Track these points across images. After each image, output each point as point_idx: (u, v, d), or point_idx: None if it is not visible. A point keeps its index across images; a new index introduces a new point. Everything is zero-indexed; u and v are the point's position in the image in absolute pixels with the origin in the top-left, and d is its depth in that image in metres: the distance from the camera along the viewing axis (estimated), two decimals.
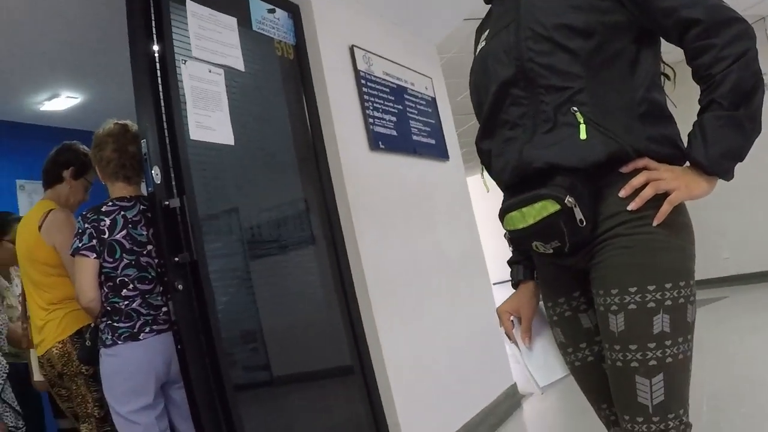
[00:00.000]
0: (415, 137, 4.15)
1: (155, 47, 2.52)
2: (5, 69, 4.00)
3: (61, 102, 4.63)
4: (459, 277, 4.23)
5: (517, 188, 1.46)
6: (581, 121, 1.38)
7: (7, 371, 3.38)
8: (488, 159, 1.62)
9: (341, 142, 3.32)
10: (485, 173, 1.69)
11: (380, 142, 3.68)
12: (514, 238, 1.50)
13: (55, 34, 3.64)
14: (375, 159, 3.61)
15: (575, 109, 1.39)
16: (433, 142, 4.37)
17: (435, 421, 3.48)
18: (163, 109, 2.49)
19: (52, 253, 2.83)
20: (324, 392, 3.25)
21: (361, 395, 3.17)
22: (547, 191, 1.37)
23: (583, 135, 1.38)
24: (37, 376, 3.07)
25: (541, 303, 1.70)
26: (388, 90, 3.95)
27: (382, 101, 3.84)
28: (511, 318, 1.73)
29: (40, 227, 2.92)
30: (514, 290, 1.76)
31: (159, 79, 2.50)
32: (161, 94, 2.49)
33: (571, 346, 1.59)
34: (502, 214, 1.49)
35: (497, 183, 1.61)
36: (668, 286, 1.36)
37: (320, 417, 3.16)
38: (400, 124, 4.00)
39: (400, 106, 4.05)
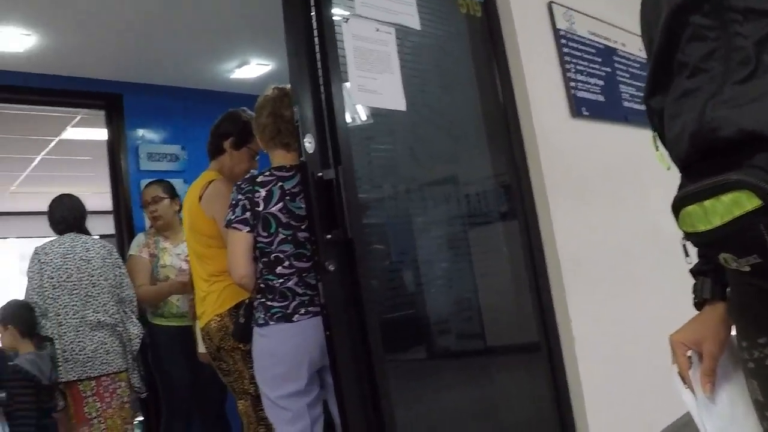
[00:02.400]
0: (626, 103, 3.68)
1: (312, 3, 2.27)
2: (196, 38, 4.04)
3: (251, 69, 4.62)
4: (672, 265, 3.67)
5: (698, 168, 0.94)
6: None
7: (141, 337, 3.56)
8: (660, 122, 1.09)
9: (536, 108, 2.96)
10: (659, 143, 1.12)
11: (583, 108, 3.26)
12: (694, 243, 1.02)
13: (245, 2, 3.58)
14: (576, 127, 3.21)
15: None
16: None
17: (626, 416, 3.07)
18: (319, 71, 2.24)
19: (212, 224, 2.73)
20: (504, 371, 3.01)
21: (546, 378, 2.85)
22: (742, 176, 0.85)
23: None
24: (201, 348, 3.03)
25: (733, 335, 1.14)
26: (593, 51, 3.51)
27: (586, 63, 3.41)
28: (689, 353, 1.18)
29: (200, 198, 2.84)
30: (697, 311, 1.21)
31: (316, 39, 2.25)
32: (318, 54, 2.25)
33: None
34: (677, 207, 0.96)
35: (672, 157, 1.05)
36: None
37: (498, 395, 2.92)
38: (609, 89, 3.55)
39: (608, 69, 3.59)
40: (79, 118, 5.82)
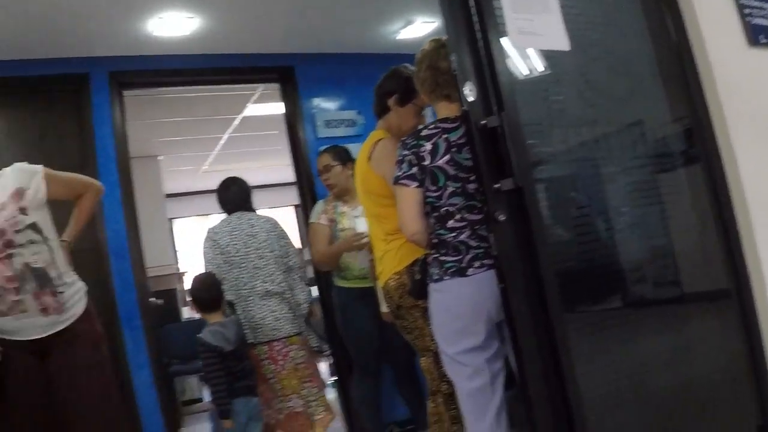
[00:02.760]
0: None
1: None
2: (360, 3, 4.05)
3: (417, 28, 4.58)
4: None
5: None
6: None
7: (310, 301, 3.85)
8: None
9: (709, 39, 2.67)
10: None
11: (761, 36, 2.92)
12: None
13: None
14: (755, 57, 2.87)
15: None
16: None
17: None
18: (474, 17, 2.16)
19: (383, 183, 2.74)
20: (691, 320, 2.79)
21: (737, 328, 2.63)
22: None
23: None
24: (383, 307, 3.08)
25: None
26: None
27: None
28: None
29: (369, 158, 2.87)
30: None
31: None
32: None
33: None
34: None
35: None
36: None
37: (684, 346, 2.70)
38: None
39: None
40: (258, 94, 6.10)
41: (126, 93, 4.49)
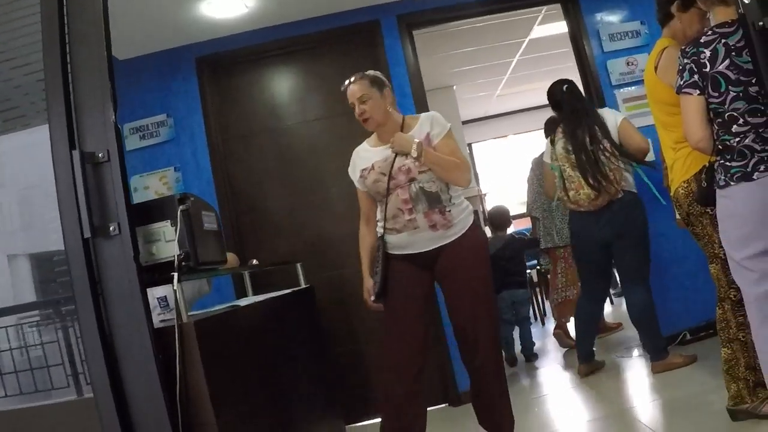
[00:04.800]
0: None
1: None
2: None
3: None
4: None
5: None
6: None
7: None
8: None
9: None
10: None
11: None
12: None
13: None
14: None
15: None
16: None
17: None
18: None
19: (670, 91, 2.71)
20: None
21: None
22: None
23: None
24: (677, 215, 3.07)
25: None
26: None
27: None
28: None
29: (656, 67, 2.87)
30: None
31: None
32: None
33: None
34: None
35: None
36: None
37: None
38: None
39: None
40: (542, 16, 6.17)
41: (415, 32, 4.85)
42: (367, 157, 3.15)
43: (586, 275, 4.32)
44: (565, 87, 4.23)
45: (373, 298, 3.11)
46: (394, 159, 3.01)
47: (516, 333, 5.56)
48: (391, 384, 3.03)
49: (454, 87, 8.26)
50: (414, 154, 2.95)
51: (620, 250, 4.03)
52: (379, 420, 3.11)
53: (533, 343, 5.49)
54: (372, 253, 3.17)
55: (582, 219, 4.10)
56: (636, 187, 4.05)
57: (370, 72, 3.16)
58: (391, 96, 3.14)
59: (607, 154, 3.91)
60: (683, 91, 2.46)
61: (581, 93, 4.37)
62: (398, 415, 3.01)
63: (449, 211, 3.01)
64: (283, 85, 4.86)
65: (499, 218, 5.84)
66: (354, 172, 3.21)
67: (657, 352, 3.95)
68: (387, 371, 3.06)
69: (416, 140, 2.98)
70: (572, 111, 4.13)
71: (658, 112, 2.97)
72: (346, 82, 3.13)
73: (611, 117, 4.06)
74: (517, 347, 5.52)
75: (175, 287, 2.10)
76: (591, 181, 3.91)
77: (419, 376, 3.02)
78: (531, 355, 5.39)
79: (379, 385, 3.15)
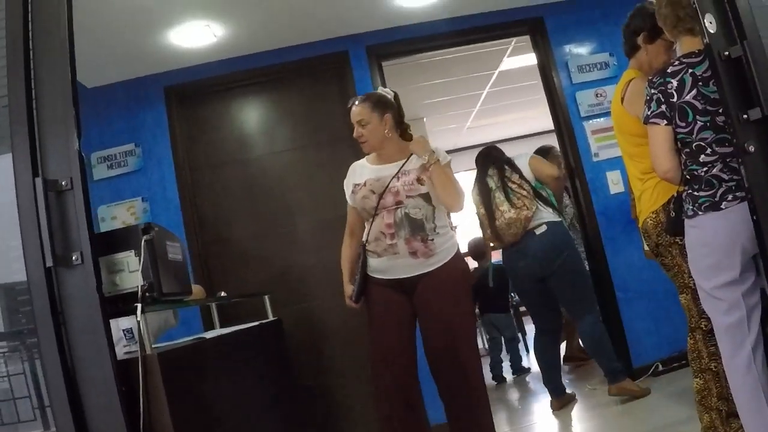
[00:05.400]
0: None
1: None
2: None
3: None
4: None
5: None
6: None
7: None
8: None
9: None
10: None
11: None
12: None
13: None
14: None
15: None
16: None
17: None
18: None
19: (637, 123, 2.72)
20: None
21: None
22: None
23: None
24: (645, 246, 3.10)
25: None
26: None
27: None
28: None
29: (622, 99, 2.90)
30: None
31: None
32: None
33: None
34: None
35: None
36: None
37: None
38: None
39: None
40: (511, 47, 6.24)
41: (384, 63, 4.88)
42: (362, 173, 3.20)
43: (532, 311, 4.43)
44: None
45: (354, 299, 3.19)
46: (389, 181, 3.07)
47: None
48: (384, 411, 3.08)
49: (425, 119, 8.30)
50: (425, 158, 3.03)
51: (556, 285, 4.15)
52: None
53: (520, 358, 6.10)
54: (352, 263, 3.23)
55: (509, 255, 4.30)
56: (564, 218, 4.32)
57: (376, 93, 3.26)
58: (391, 120, 3.17)
59: (517, 183, 4.19)
60: (650, 121, 2.48)
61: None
62: None
63: (432, 240, 3.03)
64: (251, 115, 4.85)
65: (477, 249, 6.39)
66: (347, 186, 3.26)
67: (613, 375, 4.03)
68: (378, 398, 3.11)
69: (432, 150, 3.07)
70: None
71: (624, 143, 2.99)
72: (351, 101, 3.21)
73: (522, 158, 4.37)
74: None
75: (138, 318, 2.05)
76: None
77: (414, 399, 3.09)
78: (519, 369, 5.97)
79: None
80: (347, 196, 3.25)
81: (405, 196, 3.03)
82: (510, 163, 4.32)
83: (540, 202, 4.18)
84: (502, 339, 6.07)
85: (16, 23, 1.88)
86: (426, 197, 3.06)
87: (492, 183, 4.30)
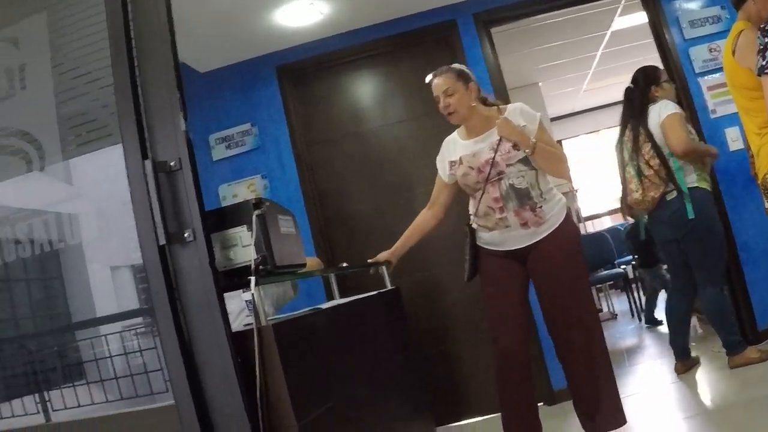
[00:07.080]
0: None
1: None
2: None
3: None
4: None
5: None
6: None
7: None
8: None
9: None
10: None
11: None
12: None
13: None
14: None
15: None
16: None
17: None
18: None
19: (750, 75, 2.59)
20: None
21: None
22: None
23: None
24: (766, 204, 2.91)
25: None
26: None
27: None
28: None
29: (733, 51, 2.76)
30: None
31: None
32: None
33: None
34: None
35: None
36: None
37: None
38: None
39: None
40: (621, 7, 6.07)
41: (493, 30, 4.81)
42: (455, 149, 3.19)
43: (670, 271, 4.35)
44: (631, 81, 4.28)
45: (466, 278, 3.23)
46: (495, 150, 3.02)
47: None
48: (504, 372, 3.08)
49: (540, 84, 8.16)
50: (528, 151, 2.96)
51: (687, 249, 4.01)
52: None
53: (653, 310, 6.57)
54: (415, 233, 3.43)
55: (650, 219, 4.18)
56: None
57: (456, 65, 3.19)
58: (476, 90, 3.13)
59: (646, 158, 3.97)
60: (765, 72, 2.31)
61: (643, 85, 4.22)
62: (514, 401, 3.06)
63: (540, 207, 3.00)
64: (363, 89, 4.90)
65: None
66: (442, 163, 3.27)
67: (731, 348, 3.92)
68: (499, 359, 3.10)
69: (532, 139, 2.99)
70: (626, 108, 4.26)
71: (739, 98, 2.85)
72: (431, 75, 3.15)
73: (655, 115, 4.03)
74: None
75: (252, 291, 2.12)
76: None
77: (528, 363, 3.08)
78: (652, 321, 6.46)
79: (494, 374, 3.18)
80: (440, 172, 3.28)
81: (505, 165, 3.00)
82: (645, 126, 4.05)
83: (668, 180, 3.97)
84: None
85: (117, 17, 1.97)
86: (525, 161, 3.02)
87: (626, 153, 4.15)
